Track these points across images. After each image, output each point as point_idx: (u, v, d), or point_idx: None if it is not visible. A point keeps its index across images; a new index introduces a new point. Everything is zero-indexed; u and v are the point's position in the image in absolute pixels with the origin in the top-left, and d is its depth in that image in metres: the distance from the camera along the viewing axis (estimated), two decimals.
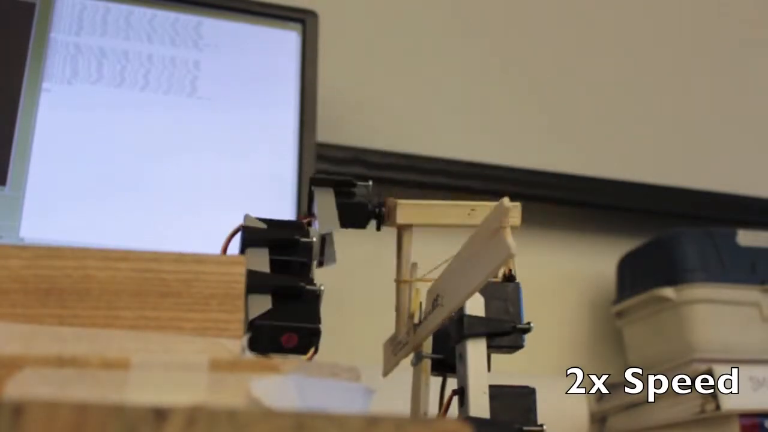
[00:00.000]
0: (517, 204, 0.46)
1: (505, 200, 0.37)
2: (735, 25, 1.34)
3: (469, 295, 0.41)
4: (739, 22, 1.35)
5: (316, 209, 0.52)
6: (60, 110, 0.82)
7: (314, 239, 0.48)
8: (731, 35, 1.33)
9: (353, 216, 0.52)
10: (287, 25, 0.93)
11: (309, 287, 0.46)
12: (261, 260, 0.46)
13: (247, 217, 0.49)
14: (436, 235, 1.07)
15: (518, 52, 1.19)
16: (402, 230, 0.51)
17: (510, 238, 0.35)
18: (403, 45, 1.14)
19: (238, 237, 0.48)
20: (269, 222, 0.49)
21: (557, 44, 1.22)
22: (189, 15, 0.89)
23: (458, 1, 1.19)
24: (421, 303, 0.48)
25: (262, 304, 0.43)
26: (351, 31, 1.10)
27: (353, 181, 0.53)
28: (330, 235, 0.51)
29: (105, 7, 0.87)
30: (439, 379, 0.51)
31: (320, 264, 0.51)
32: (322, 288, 0.46)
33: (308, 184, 0.53)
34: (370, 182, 0.54)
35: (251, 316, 0.42)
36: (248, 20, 0.91)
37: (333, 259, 0.52)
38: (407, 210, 0.50)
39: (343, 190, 0.53)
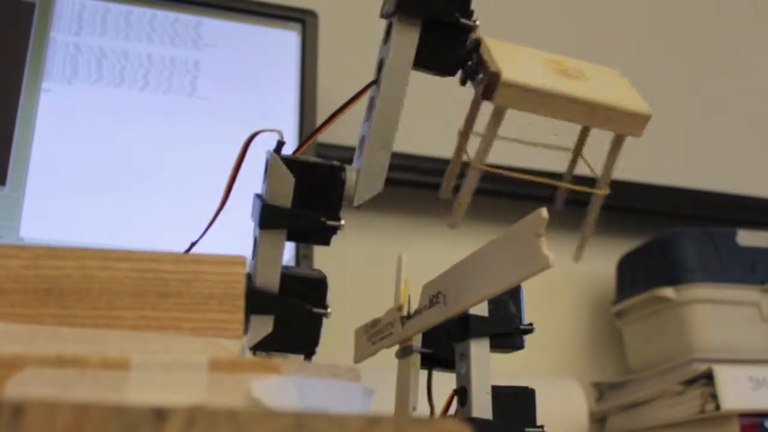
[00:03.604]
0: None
1: (543, 211, 0.35)
2: (735, 25, 1.34)
3: (486, 299, 0.40)
4: (739, 23, 1.35)
5: (382, 76, 0.40)
6: (60, 110, 0.82)
7: (342, 222, 0.41)
8: (731, 35, 1.33)
9: (437, 57, 0.41)
10: (287, 25, 0.93)
11: (316, 310, 0.43)
12: (274, 255, 0.42)
13: (274, 162, 0.41)
14: (436, 234, 1.07)
15: None
16: (497, 110, 0.40)
17: (546, 249, 0.34)
18: None
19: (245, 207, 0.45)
20: (298, 171, 0.41)
21: (557, 44, 1.21)
22: (189, 15, 0.89)
23: None
24: (409, 295, 0.48)
25: (263, 325, 0.42)
26: (351, 31, 1.10)
27: (452, 17, 0.40)
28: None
29: (105, 7, 0.87)
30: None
31: (353, 204, 0.42)
32: (330, 311, 0.44)
33: (390, 8, 0.41)
34: (477, 21, 0.42)
35: (251, 342, 0.41)
36: (248, 20, 0.91)
37: (377, 188, 0.42)
38: (512, 93, 0.39)
39: (433, 24, 0.40)
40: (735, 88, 1.30)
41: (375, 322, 0.52)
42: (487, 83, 0.39)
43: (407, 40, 0.40)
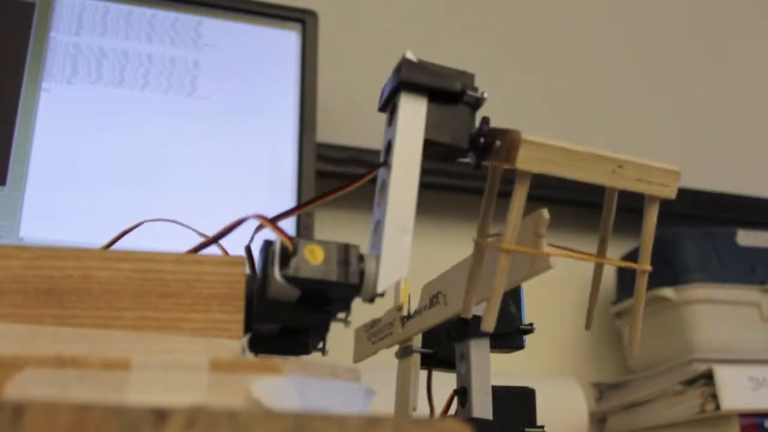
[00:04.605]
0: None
1: (544, 211, 0.34)
2: (736, 25, 1.34)
3: (483, 300, 0.39)
4: (740, 23, 1.35)
5: (391, 156, 0.37)
6: (60, 110, 0.82)
7: (350, 320, 0.37)
8: (731, 35, 1.33)
9: (442, 151, 0.39)
10: (287, 25, 0.93)
11: (315, 348, 0.43)
12: (272, 330, 0.40)
13: (273, 281, 0.34)
14: (436, 234, 1.07)
15: (519, 52, 1.20)
16: (520, 178, 0.37)
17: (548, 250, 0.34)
18: (403, 45, 1.14)
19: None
20: (299, 283, 0.34)
21: (557, 43, 1.22)
22: (189, 15, 0.89)
23: (459, 1, 1.19)
24: (409, 295, 0.48)
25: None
26: (351, 31, 1.10)
27: (459, 90, 0.38)
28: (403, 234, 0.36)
29: (105, 7, 0.87)
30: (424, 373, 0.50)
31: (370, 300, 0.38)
32: (328, 350, 0.43)
33: (393, 84, 0.39)
34: (485, 95, 0.39)
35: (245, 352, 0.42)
36: (248, 20, 0.91)
37: (402, 271, 0.37)
38: (534, 151, 0.36)
39: (439, 99, 0.38)
40: (735, 88, 1.30)
41: (375, 322, 0.52)
42: (508, 146, 0.37)
43: (415, 114, 0.38)
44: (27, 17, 0.83)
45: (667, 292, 0.96)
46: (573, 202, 1.09)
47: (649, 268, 0.40)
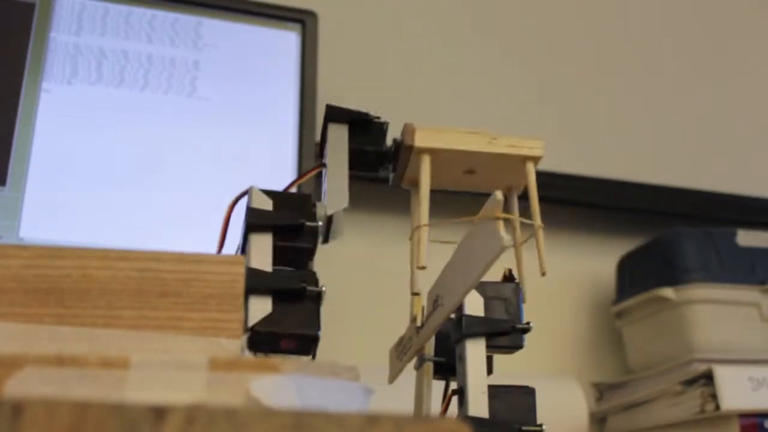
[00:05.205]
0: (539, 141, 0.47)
1: (498, 193, 0.37)
2: (736, 25, 1.34)
3: (466, 292, 0.40)
4: (740, 23, 1.35)
5: (326, 158, 0.51)
6: (60, 110, 0.82)
7: (320, 223, 0.48)
8: (732, 36, 1.33)
9: (365, 160, 0.52)
10: (286, 26, 0.93)
11: (311, 288, 0.45)
12: (264, 246, 0.46)
13: (253, 191, 0.48)
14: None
15: (521, 54, 1.20)
16: (420, 155, 0.48)
17: (503, 231, 0.35)
18: (403, 45, 1.14)
19: (240, 211, 0.48)
20: (275, 196, 0.48)
21: (560, 45, 1.22)
22: (188, 15, 0.89)
23: (460, 1, 1.19)
24: (423, 307, 0.48)
25: (262, 306, 0.43)
26: (351, 31, 1.10)
27: (369, 117, 0.52)
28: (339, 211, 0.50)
29: (105, 7, 0.87)
30: (442, 383, 0.51)
31: (326, 240, 0.50)
32: (324, 289, 0.46)
33: (323, 118, 0.52)
34: (388, 120, 0.53)
35: (251, 321, 0.42)
36: (248, 20, 0.91)
37: (340, 233, 0.50)
38: (427, 133, 0.48)
39: (358, 127, 0.52)
40: (735, 88, 1.30)
41: (401, 340, 0.52)
42: (409, 135, 0.47)
43: (339, 133, 0.52)
44: (27, 17, 0.83)
45: (667, 292, 0.96)
46: (570, 202, 1.09)
47: (540, 224, 0.47)
